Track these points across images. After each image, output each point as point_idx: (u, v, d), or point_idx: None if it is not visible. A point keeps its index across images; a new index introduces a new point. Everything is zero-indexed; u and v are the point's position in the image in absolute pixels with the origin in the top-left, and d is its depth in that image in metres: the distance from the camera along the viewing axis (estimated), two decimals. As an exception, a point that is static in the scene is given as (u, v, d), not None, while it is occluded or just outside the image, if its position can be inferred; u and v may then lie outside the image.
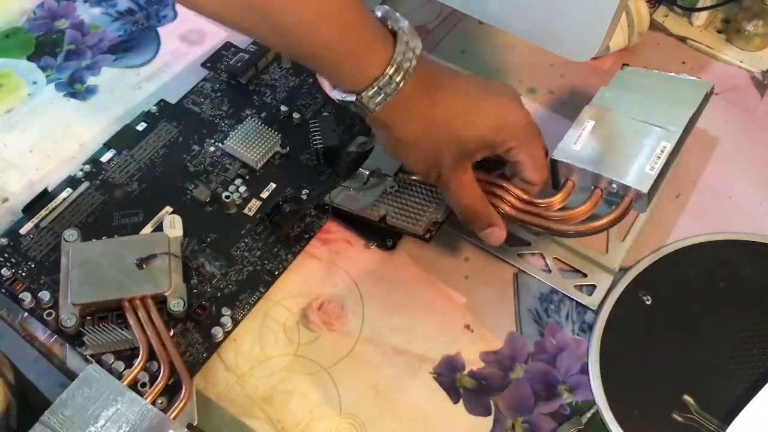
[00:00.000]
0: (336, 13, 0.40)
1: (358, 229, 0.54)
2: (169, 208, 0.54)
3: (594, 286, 0.53)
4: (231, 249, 0.52)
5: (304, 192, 0.56)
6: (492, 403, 0.48)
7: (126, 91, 0.62)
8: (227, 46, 0.64)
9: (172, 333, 0.48)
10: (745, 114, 0.64)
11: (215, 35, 0.66)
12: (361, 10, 0.41)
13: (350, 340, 0.50)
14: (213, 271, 0.51)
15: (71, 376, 0.47)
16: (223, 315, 0.49)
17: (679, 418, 0.47)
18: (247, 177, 0.56)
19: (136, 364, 0.45)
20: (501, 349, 0.50)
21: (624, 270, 0.54)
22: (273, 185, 0.56)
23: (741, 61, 0.67)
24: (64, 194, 0.54)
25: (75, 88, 0.62)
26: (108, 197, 0.54)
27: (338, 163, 0.56)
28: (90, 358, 0.46)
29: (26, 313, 0.49)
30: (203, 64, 0.63)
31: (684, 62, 0.67)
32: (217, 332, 0.48)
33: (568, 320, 0.52)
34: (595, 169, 0.48)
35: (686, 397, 0.48)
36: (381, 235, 0.54)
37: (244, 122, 0.58)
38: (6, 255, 0.51)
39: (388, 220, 0.51)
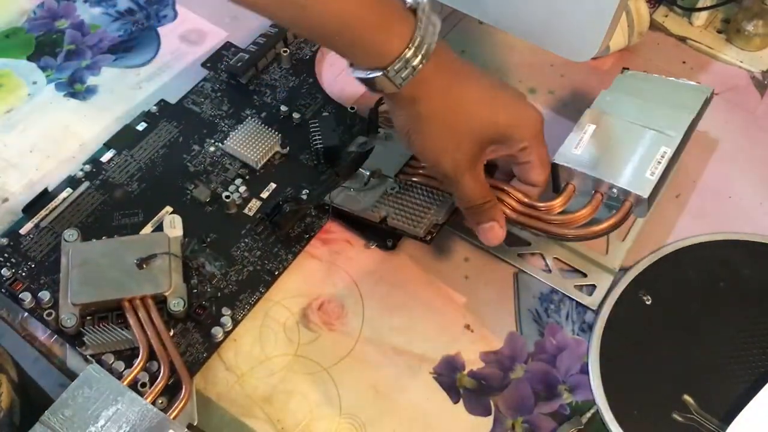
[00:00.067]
0: None
1: (358, 230, 0.54)
2: (169, 208, 0.54)
3: (594, 286, 0.53)
4: (231, 249, 0.52)
5: (304, 192, 0.56)
6: (492, 403, 0.48)
7: (126, 91, 0.62)
8: (227, 46, 0.64)
9: (172, 333, 0.48)
10: (745, 114, 0.64)
11: (215, 35, 0.66)
12: None
13: (350, 340, 0.50)
14: (213, 271, 0.51)
15: (71, 376, 0.47)
16: (223, 315, 0.49)
17: (679, 418, 0.47)
18: (247, 177, 0.56)
19: (136, 364, 0.45)
20: (501, 349, 0.50)
21: (624, 270, 0.54)
22: (273, 185, 0.56)
23: (741, 61, 0.67)
24: (64, 194, 0.54)
25: (75, 88, 0.62)
26: (108, 197, 0.54)
27: (338, 163, 0.56)
28: (90, 358, 0.47)
29: (26, 313, 0.49)
30: (203, 64, 0.63)
31: (684, 62, 0.67)
32: (217, 332, 0.48)
33: (568, 320, 0.52)
34: (595, 173, 0.48)
35: (686, 397, 0.48)
36: (381, 235, 0.54)
37: (244, 122, 0.58)
38: (6, 255, 0.51)
39: (388, 221, 0.51)
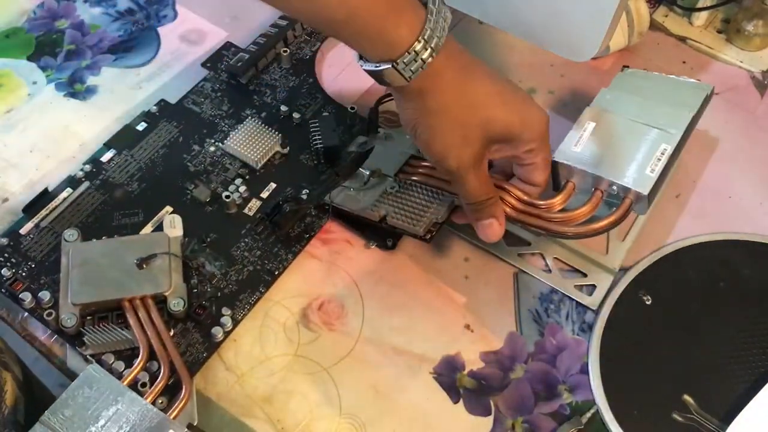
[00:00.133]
0: None
1: (358, 229, 0.54)
2: (169, 208, 0.54)
3: (594, 286, 0.53)
4: (231, 249, 0.52)
5: (304, 192, 0.56)
6: (492, 403, 0.48)
7: (126, 91, 0.62)
8: (227, 46, 0.64)
9: (172, 333, 0.48)
10: (745, 114, 0.64)
11: (215, 35, 0.66)
12: None
13: (350, 340, 0.50)
14: (213, 270, 0.51)
15: (71, 376, 0.47)
16: (223, 315, 0.49)
17: (679, 418, 0.47)
18: (247, 177, 0.56)
19: (136, 364, 0.45)
20: (501, 349, 0.50)
21: (624, 270, 0.54)
22: (273, 185, 0.56)
23: (741, 61, 0.67)
24: (64, 194, 0.54)
25: (75, 88, 0.62)
26: (108, 197, 0.54)
27: (338, 163, 0.56)
28: (90, 358, 0.47)
29: (26, 313, 0.49)
30: (203, 64, 0.63)
31: (684, 62, 0.67)
32: (217, 332, 0.48)
33: (568, 320, 0.52)
34: (595, 171, 0.48)
35: (686, 397, 0.48)
36: (381, 235, 0.54)
37: (245, 122, 0.58)
38: (6, 255, 0.51)
39: (388, 220, 0.51)
